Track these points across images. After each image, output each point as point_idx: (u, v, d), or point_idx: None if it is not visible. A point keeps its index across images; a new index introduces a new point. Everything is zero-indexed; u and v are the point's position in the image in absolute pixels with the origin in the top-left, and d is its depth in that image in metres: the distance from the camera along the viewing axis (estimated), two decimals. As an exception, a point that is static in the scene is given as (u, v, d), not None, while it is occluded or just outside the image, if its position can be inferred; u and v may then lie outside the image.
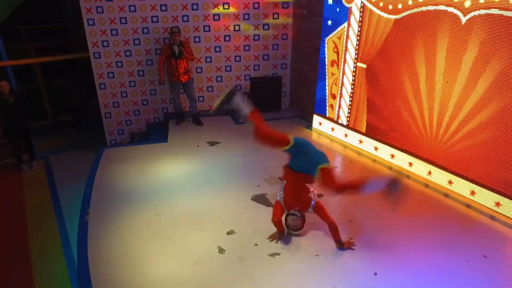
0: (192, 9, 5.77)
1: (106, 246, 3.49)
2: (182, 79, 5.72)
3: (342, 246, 3.33)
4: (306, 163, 3.26)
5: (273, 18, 6.13)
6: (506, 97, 3.63)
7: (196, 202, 4.12)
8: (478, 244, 3.51)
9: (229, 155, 5.12)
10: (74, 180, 5.59)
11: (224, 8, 5.86)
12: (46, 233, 4.71)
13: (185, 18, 5.82)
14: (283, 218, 3.49)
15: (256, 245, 3.44)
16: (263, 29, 6.15)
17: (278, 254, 3.34)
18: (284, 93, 6.64)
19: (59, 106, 7.67)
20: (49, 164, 6.32)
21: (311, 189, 3.43)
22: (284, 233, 3.55)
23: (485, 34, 3.67)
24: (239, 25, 6.06)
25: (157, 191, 4.32)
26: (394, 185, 2.95)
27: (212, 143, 5.45)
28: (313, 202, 3.36)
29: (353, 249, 3.37)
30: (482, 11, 3.66)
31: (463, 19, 3.81)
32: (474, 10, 3.72)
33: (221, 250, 3.39)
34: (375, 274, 3.10)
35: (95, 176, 4.69)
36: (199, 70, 6.21)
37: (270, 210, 3.85)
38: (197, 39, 5.98)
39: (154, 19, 5.72)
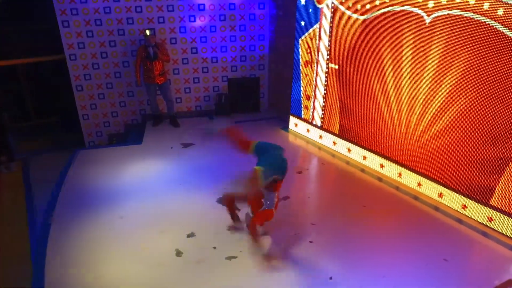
0: (168, 11, 5.76)
1: (66, 248, 3.49)
2: (158, 81, 5.71)
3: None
4: (269, 165, 3.26)
5: (250, 18, 6.14)
6: (469, 98, 3.59)
7: (161, 204, 4.11)
8: (440, 247, 3.48)
9: (202, 157, 5.10)
10: (51, 182, 5.59)
11: (199, 9, 5.86)
12: (16, 235, 4.74)
13: (161, 20, 5.80)
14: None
15: (214, 248, 3.42)
16: (240, 30, 6.13)
17: (235, 257, 3.32)
18: (263, 94, 6.62)
19: (43, 107, 7.72)
20: (28, 165, 6.34)
21: (273, 196, 3.39)
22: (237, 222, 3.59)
23: (448, 35, 3.64)
24: (215, 26, 6.04)
25: (125, 194, 4.32)
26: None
27: (186, 145, 5.44)
28: (264, 207, 3.37)
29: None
30: (445, 12, 3.64)
31: (427, 20, 3.78)
32: (437, 11, 3.68)
33: (178, 253, 3.38)
34: (330, 278, 3.08)
35: (66, 178, 4.69)
36: (176, 71, 6.19)
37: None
38: (173, 41, 5.96)
39: (130, 20, 5.71)
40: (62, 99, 7.48)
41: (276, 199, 3.31)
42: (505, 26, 3.19)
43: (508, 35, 3.18)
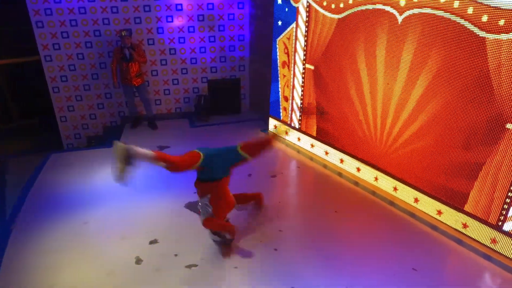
0: (144, 11, 5.67)
1: (24, 255, 3.39)
2: (135, 83, 5.61)
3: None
4: (223, 162, 3.22)
5: (229, 19, 6.03)
6: (441, 100, 3.45)
7: (127, 210, 3.99)
8: (412, 256, 3.33)
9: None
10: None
11: (177, 9, 5.77)
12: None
13: (137, 20, 5.71)
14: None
15: (176, 255, 3.30)
16: (219, 30, 6.03)
17: (196, 265, 3.20)
18: (244, 96, 6.51)
19: (25, 109, 7.64)
20: (5, 168, 6.26)
21: None
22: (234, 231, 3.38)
23: (420, 34, 3.50)
24: (193, 27, 5.94)
25: (93, 198, 4.20)
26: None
27: (161, 148, 5.33)
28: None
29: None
30: (416, 10, 3.51)
31: (399, 18, 3.64)
32: (409, 9, 3.54)
33: (138, 261, 3.26)
34: (292, 288, 3.02)
35: (35, 182, 4.58)
36: (154, 73, 6.10)
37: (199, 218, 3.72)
38: (150, 42, 5.87)
39: (105, 21, 5.62)
40: (43, 101, 7.44)
41: (211, 207, 3.18)
42: (475, 25, 3.08)
43: (477, 34, 3.07)
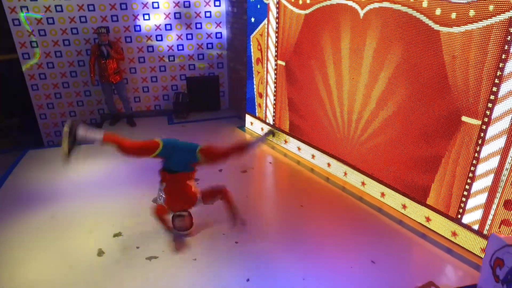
0: (121, 9, 5.70)
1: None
2: (113, 80, 5.65)
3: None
4: (181, 158, 3.20)
5: (206, 16, 6.06)
6: (401, 94, 3.48)
7: (96, 204, 4.01)
8: (373, 249, 3.34)
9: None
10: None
11: (153, 7, 5.79)
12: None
13: (114, 18, 5.75)
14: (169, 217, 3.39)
15: (137, 248, 3.33)
16: (196, 28, 6.06)
17: (156, 257, 3.22)
18: (223, 93, 6.54)
19: (5, 108, 7.67)
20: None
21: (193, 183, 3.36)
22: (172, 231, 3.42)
23: (380, 29, 3.54)
24: (170, 24, 5.98)
25: (63, 194, 4.23)
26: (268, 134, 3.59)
27: (137, 144, 5.39)
28: (199, 196, 3.31)
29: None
30: (376, 4, 3.54)
31: (361, 13, 3.68)
32: (369, 4, 3.58)
33: (100, 253, 3.29)
34: (248, 280, 2.96)
35: (8, 177, 4.60)
36: (133, 70, 6.13)
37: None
38: (128, 39, 5.90)
39: (83, 19, 5.65)
40: (23, 100, 7.46)
41: (163, 197, 3.21)
42: (429, 19, 3.10)
43: (432, 28, 3.10)
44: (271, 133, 3.53)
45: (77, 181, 4.49)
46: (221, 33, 6.16)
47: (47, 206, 3.98)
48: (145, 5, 5.75)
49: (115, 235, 3.48)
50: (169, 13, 5.86)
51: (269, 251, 3.29)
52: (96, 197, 4.12)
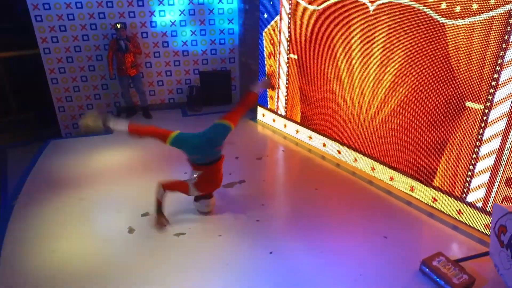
0: (138, 5, 5.95)
1: (26, 227, 3.66)
2: (130, 73, 5.90)
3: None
4: (209, 148, 3.45)
5: (219, 13, 6.31)
6: (410, 83, 3.75)
7: (122, 188, 4.28)
8: (384, 227, 3.61)
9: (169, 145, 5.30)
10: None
11: (169, 4, 6.05)
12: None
13: (131, 14, 5.98)
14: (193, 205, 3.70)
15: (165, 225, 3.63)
16: (209, 24, 6.30)
17: (184, 234, 3.49)
18: (234, 87, 6.79)
19: (24, 102, 7.91)
20: (5, 158, 6.52)
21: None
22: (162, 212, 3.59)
23: (389, 22, 3.80)
24: (185, 21, 6.22)
25: (89, 178, 4.48)
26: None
27: (155, 134, 5.63)
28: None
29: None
30: (386, 0, 3.81)
31: (371, 8, 3.95)
32: (379, -1, 3.88)
33: (131, 230, 3.55)
34: (271, 253, 3.24)
35: (35, 165, 4.86)
36: (148, 65, 6.37)
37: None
38: (144, 35, 6.15)
39: (101, 15, 5.89)
40: (41, 94, 7.71)
41: (196, 179, 3.46)
42: (436, 12, 3.36)
43: (438, 21, 3.36)
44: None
45: (100, 168, 4.73)
46: (233, 29, 6.41)
47: (74, 190, 4.23)
48: (161, 2, 5.99)
49: (143, 215, 3.73)
50: (184, 10, 6.11)
51: (288, 228, 3.57)
52: (120, 182, 4.37)
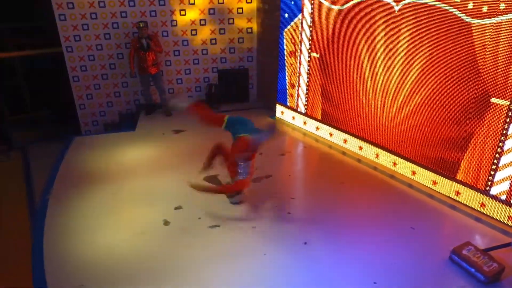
0: (159, 5, 6.06)
1: (62, 220, 3.77)
2: (151, 71, 6.00)
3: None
4: (234, 136, 3.68)
5: (238, 12, 6.42)
6: (435, 81, 3.88)
7: (151, 182, 4.40)
8: (410, 218, 3.74)
9: (191, 141, 5.38)
10: (49, 169, 5.88)
11: (189, 3, 6.17)
12: (16, 218, 4.93)
13: (153, 14, 6.10)
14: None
15: (199, 218, 3.71)
16: (228, 23, 6.42)
17: (218, 226, 3.61)
18: (252, 85, 6.91)
19: (39, 101, 8.01)
20: (26, 154, 6.62)
21: (248, 165, 3.68)
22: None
23: (414, 22, 3.93)
24: (205, 20, 6.33)
25: (118, 174, 4.59)
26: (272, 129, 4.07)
27: (177, 131, 5.71)
28: (240, 177, 3.63)
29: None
30: (411, 0, 3.94)
31: (396, 8, 4.07)
32: (404, -1, 4.01)
33: (166, 223, 3.67)
34: (305, 243, 3.36)
35: (63, 161, 4.97)
36: (168, 63, 6.48)
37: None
38: (165, 34, 6.26)
39: (123, 14, 6.01)
40: (57, 93, 7.81)
41: (251, 169, 3.62)
42: (462, 12, 3.49)
43: (464, 20, 3.49)
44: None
45: (127, 164, 4.84)
46: (251, 28, 6.53)
47: (105, 185, 4.35)
48: (181, 1, 6.11)
49: (176, 208, 3.85)
50: (204, 9, 6.23)
51: (319, 221, 3.68)
52: (148, 178, 4.47)
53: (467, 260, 3.05)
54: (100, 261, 3.19)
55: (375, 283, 2.89)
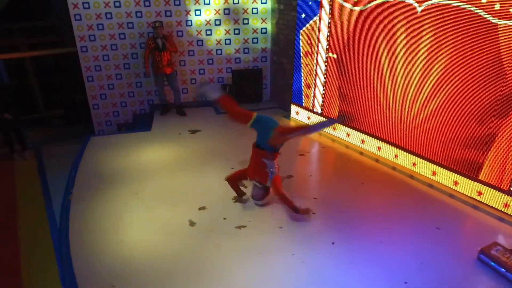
0: (175, 5, 6.08)
1: (87, 220, 3.78)
2: (166, 71, 6.01)
3: (298, 212, 3.60)
4: (262, 135, 3.69)
5: (252, 13, 6.44)
6: (457, 81, 3.89)
7: (173, 183, 4.41)
8: (433, 218, 3.77)
9: (208, 141, 5.41)
10: (63, 168, 5.81)
11: (205, 3, 6.18)
12: (34, 216, 4.95)
13: (168, 13, 6.11)
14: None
15: (224, 219, 3.72)
16: (243, 23, 6.43)
17: (244, 226, 3.62)
18: (265, 85, 6.93)
19: (51, 100, 7.99)
20: (40, 153, 6.61)
21: (273, 164, 3.74)
22: (242, 196, 3.92)
23: (438, 23, 3.95)
24: (219, 20, 6.35)
25: (138, 174, 4.60)
26: (341, 120, 4.10)
27: (193, 131, 5.72)
28: (271, 177, 3.69)
29: (309, 215, 3.66)
30: (435, 1, 3.95)
31: (419, 9, 4.09)
32: (428, 0, 3.99)
33: (192, 223, 3.67)
34: (333, 243, 3.38)
35: (81, 161, 4.97)
36: (182, 63, 6.49)
37: (241, 188, 4.11)
38: (179, 33, 6.27)
39: (138, 14, 6.01)
40: (69, 93, 7.80)
41: (276, 167, 3.68)
42: (488, 13, 3.51)
43: (490, 21, 3.50)
44: (343, 118, 3.91)
45: (145, 163, 4.84)
46: (266, 28, 6.54)
47: (126, 184, 4.36)
48: (197, 1, 6.12)
49: (200, 209, 3.85)
50: (219, 9, 6.25)
51: (344, 221, 3.69)
52: (168, 177, 4.49)
53: (496, 260, 3.07)
54: (129, 261, 3.18)
55: (405, 283, 2.90)
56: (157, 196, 4.12)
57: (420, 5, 4.05)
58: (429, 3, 3.95)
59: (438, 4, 3.89)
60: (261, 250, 3.28)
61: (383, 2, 4.39)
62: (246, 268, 3.09)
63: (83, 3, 5.70)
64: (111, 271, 3.08)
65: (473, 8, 3.62)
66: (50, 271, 3.84)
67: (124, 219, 3.73)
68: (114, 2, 5.81)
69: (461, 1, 3.68)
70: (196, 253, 3.28)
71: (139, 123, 6.46)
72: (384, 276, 3.01)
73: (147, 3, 5.94)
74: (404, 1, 4.15)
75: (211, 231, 3.54)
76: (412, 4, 4.11)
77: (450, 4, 3.78)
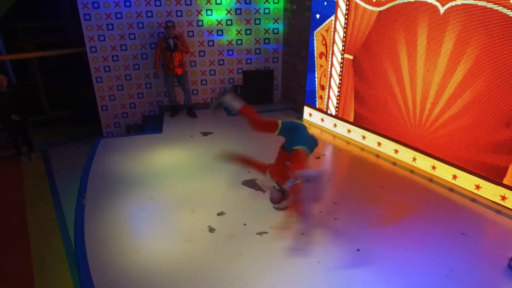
0: (186, 4, 5.97)
1: (102, 226, 3.66)
2: (177, 72, 5.91)
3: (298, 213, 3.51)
4: (289, 143, 3.57)
5: (264, 13, 6.34)
6: (482, 83, 3.81)
7: (188, 187, 4.30)
8: (456, 223, 3.69)
9: (222, 144, 5.28)
10: (71, 170, 5.74)
11: (216, 3, 6.09)
12: (44, 220, 4.86)
13: (179, 13, 6.00)
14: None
15: (245, 224, 3.62)
16: (255, 23, 6.34)
17: (266, 232, 3.51)
18: (276, 86, 6.83)
19: (56, 101, 7.88)
20: (47, 155, 6.49)
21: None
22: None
23: (462, 23, 3.87)
24: (231, 20, 6.25)
25: (152, 177, 4.48)
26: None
27: (205, 133, 5.62)
28: (290, 181, 3.49)
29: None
30: (459, 1, 3.87)
31: (441, 10, 4.01)
32: (451, 1, 3.91)
33: (211, 229, 3.56)
34: (358, 250, 3.29)
35: (92, 163, 4.85)
36: (193, 64, 6.38)
37: (259, 193, 4.10)
38: (190, 34, 6.16)
39: (149, 14, 5.90)
40: (75, 94, 7.68)
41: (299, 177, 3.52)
42: (517, 14, 3.44)
43: (519, 22, 3.44)
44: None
45: (158, 167, 4.72)
46: (278, 28, 6.45)
47: (140, 189, 4.23)
48: (208, 1, 6.02)
49: (219, 214, 3.75)
50: (231, 9, 6.15)
51: (367, 226, 3.60)
52: (183, 182, 4.38)
53: (528, 268, 3.02)
54: (148, 269, 3.08)
55: (438, 292, 2.86)
56: (173, 201, 4.01)
57: (443, 6, 3.98)
58: (453, 3, 3.87)
59: (462, 4, 3.82)
60: (286, 258, 3.17)
61: (403, 2, 4.32)
62: (271, 277, 2.98)
63: (92, 2, 5.58)
64: (129, 280, 2.96)
65: (499, 8, 3.55)
66: (63, 277, 3.76)
67: (140, 226, 3.63)
68: (125, 1, 5.70)
69: (488, 1, 3.61)
70: (218, 262, 3.17)
71: (149, 124, 6.35)
72: (413, 283, 2.91)
73: (157, 3, 5.84)
74: (426, 1, 4.10)
75: (231, 237, 3.44)
76: (434, 5, 4.03)
77: (475, 4, 3.71)
